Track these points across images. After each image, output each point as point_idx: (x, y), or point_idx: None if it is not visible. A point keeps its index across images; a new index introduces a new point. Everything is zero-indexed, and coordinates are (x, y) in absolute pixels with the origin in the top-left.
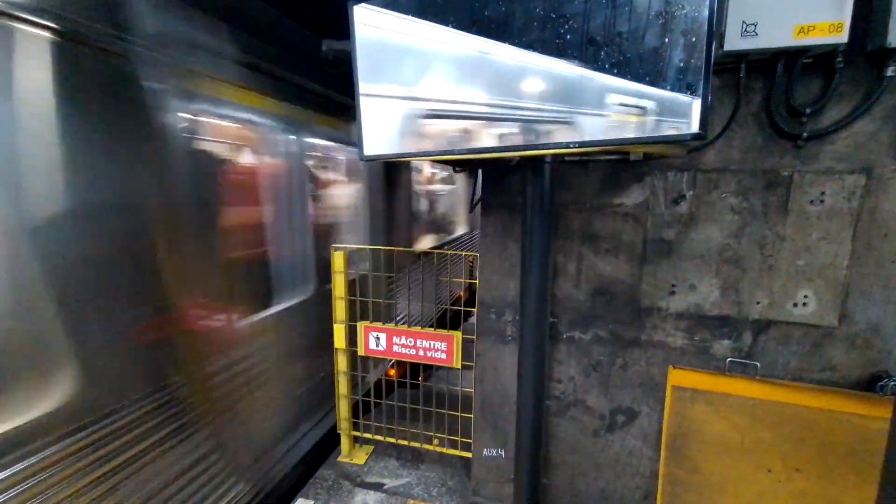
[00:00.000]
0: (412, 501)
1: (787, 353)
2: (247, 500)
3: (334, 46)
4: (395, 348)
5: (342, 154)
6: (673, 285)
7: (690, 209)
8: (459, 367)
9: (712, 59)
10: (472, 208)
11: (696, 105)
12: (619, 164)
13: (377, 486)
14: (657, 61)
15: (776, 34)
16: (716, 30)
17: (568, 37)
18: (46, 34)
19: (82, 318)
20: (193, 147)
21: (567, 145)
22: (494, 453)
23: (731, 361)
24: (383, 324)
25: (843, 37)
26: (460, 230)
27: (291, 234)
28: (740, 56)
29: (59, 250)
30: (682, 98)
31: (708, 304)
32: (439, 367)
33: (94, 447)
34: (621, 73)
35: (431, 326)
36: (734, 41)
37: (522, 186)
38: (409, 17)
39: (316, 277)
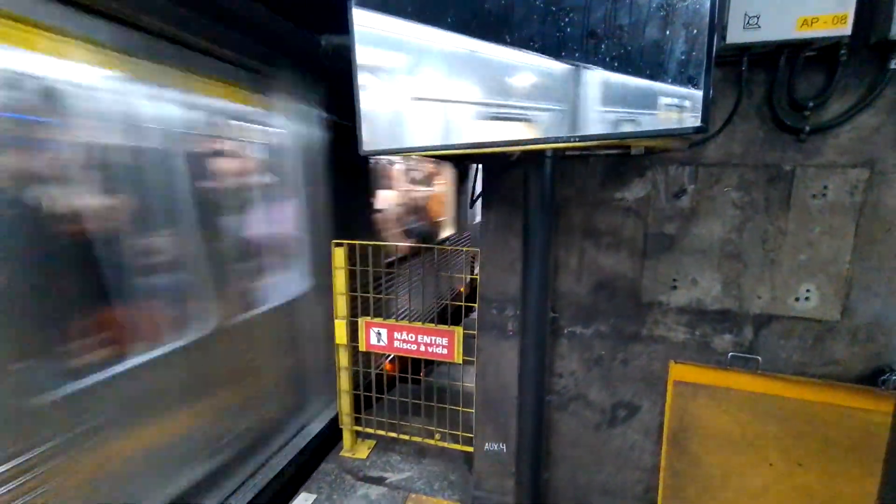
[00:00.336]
0: (414, 495)
1: (788, 347)
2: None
3: (333, 41)
4: (397, 343)
5: (258, 137)
6: (674, 280)
7: (692, 203)
8: (461, 362)
9: (714, 51)
10: (472, 204)
11: (698, 98)
12: (620, 158)
13: (379, 481)
14: (658, 54)
15: (779, 26)
16: (718, 22)
17: (568, 30)
18: None
19: None
20: None
21: (568, 139)
22: (496, 448)
23: (732, 356)
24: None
25: (846, 29)
26: (445, 233)
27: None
28: (742, 49)
29: None
30: (684, 91)
31: (709, 298)
32: (440, 363)
33: None
34: (621, 67)
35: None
36: (736, 34)
37: (523, 181)
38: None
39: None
